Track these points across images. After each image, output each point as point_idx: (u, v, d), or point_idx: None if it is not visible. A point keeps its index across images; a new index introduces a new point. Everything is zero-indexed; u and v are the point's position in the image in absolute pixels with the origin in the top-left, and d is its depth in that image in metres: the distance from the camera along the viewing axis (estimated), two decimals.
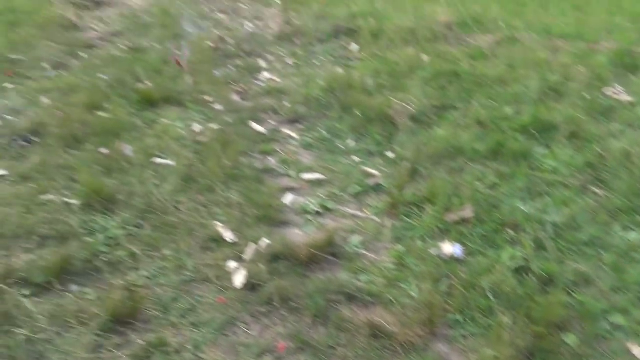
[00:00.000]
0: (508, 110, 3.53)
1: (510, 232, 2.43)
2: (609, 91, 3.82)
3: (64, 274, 2.32)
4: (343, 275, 2.30)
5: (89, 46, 5.28)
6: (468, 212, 2.55)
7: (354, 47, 4.99)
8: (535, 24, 5.28)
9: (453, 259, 2.33)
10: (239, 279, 2.25)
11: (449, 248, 2.36)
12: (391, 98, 3.76)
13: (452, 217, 2.55)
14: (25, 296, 2.18)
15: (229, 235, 2.54)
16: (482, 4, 6.06)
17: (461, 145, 3.17)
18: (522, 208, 2.57)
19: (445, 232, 2.51)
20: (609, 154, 2.97)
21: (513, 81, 3.96)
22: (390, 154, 3.21)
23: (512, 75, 4.04)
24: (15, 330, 2.02)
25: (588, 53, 4.47)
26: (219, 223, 2.64)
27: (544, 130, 3.28)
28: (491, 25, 5.30)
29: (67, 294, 2.22)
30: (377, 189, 2.94)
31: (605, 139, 3.17)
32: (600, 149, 3.03)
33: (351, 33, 5.27)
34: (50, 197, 2.85)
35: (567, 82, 3.93)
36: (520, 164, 2.97)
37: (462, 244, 2.40)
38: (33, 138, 3.48)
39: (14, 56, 4.89)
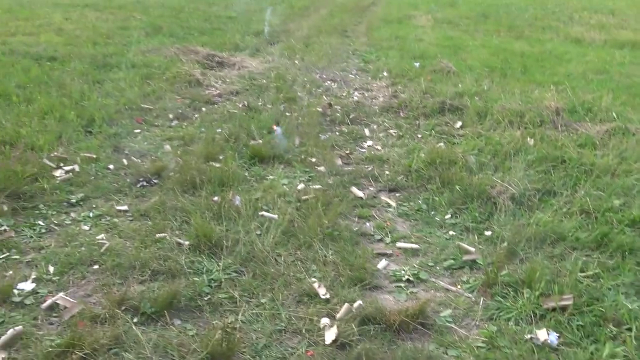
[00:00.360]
0: (616, 202, 3.43)
1: (612, 327, 2.33)
2: None
3: (170, 307, 2.50)
4: (432, 347, 2.30)
5: (210, 102, 5.76)
6: (567, 300, 2.48)
7: (458, 124, 5.07)
8: None
9: (547, 346, 2.26)
10: (330, 335, 2.31)
11: (544, 334, 2.30)
12: (493, 177, 3.77)
13: (549, 303, 2.49)
14: (135, 323, 2.38)
15: (322, 292, 2.63)
16: (594, 92, 5.98)
17: (563, 232, 3.11)
18: (626, 304, 2.46)
19: (541, 317, 2.45)
20: None
21: (623, 173, 3.85)
22: (488, 233, 3.21)
23: (622, 167, 3.93)
24: (123, 354, 2.20)
25: None
26: (314, 279, 2.75)
27: None
28: (602, 114, 5.20)
29: (171, 326, 2.39)
30: (472, 265, 2.93)
31: None
32: None
33: (456, 110, 5.37)
34: (164, 235, 3.10)
35: None
36: (627, 259, 2.85)
37: (558, 332, 2.33)
38: (154, 180, 3.83)
39: (144, 105, 5.43)
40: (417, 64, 7.35)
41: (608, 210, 3.33)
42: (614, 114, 5.13)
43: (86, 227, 3.21)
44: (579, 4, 14.92)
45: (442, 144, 4.57)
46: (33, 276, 2.72)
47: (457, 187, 3.67)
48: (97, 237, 3.09)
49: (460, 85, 6.19)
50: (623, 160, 4.06)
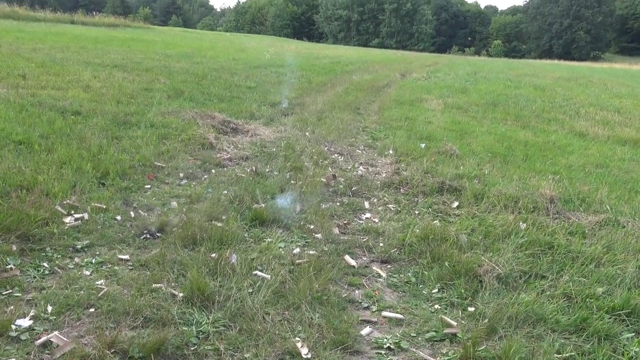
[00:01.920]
0: (599, 289, 3.54)
1: None
2: None
3: (158, 354, 2.63)
4: None
5: (220, 165, 6.03)
6: None
7: (455, 204, 5.25)
8: None
9: None
10: None
11: None
12: (482, 257, 3.91)
13: None
14: None
15: (304, 352, 2.74)
16: (591, 184, 6.17)
17: (544, 313, 3.21)
18: None
19: None
20: None
21: (609, 263, 3.97)
22: (471, 309, 3.31)
23: (608, 257, 4.05)
24: None
25: None
26: (298, 339, 2.85)
27: (634, 316, 3.24)
28: (596, 206, 5.36)
29: None
30: (453, 339, 3.02)
31: None
32: None
33: (455, 191, 5.57)
34: (160, 285, 3.25)
35: None
36: (603, 345, 2.94)
37: None
38: (158, 233, 4.01)
39: (157, 163, 5.70)
40: (422, 145, 7.64)
41: (590, 296, 3.43)
42: (607, 206, 5.29)
43: (87, 272, 3.37)
44: (586, 100, 15.43)
45: (437, 221, 4.73)
46: (32, 314, 2.87)
47: (447, 263, 3.81)
48: (97, 282, 3.25)
49: (461, 168, 6.42)
50: (610, 250, 4.19)
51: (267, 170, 5.92)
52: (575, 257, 4.03)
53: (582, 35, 76.21)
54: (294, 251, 3.94)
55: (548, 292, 3.50)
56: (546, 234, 4.45)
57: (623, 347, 2.97)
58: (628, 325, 3.19)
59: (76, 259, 3.53)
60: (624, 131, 10.66)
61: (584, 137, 9.98)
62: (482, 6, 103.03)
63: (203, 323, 2.93)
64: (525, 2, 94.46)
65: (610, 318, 3.21)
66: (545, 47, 78.71)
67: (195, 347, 2.75)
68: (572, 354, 2.85)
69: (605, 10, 77.80)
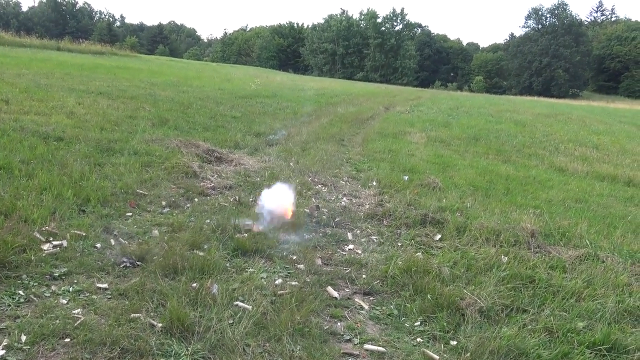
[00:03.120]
0: (580, 323, 3.55)
1: None
2: None
3: None
4: None
5: (203, 194, 5.99)
6: None
7: (437, 236, 5.28)
8: (622, 247, 5.34)
9: None
10: None
11: None
12: (464, 290, 3.91)
13: None
14: None
15: None
16: (571, 219, 6.25)
17: (526, 348, 3.20)
18: None
19: None
20: None
21: (589, 297, 3.99)
22: (453, 342, 3.30)
23: (588, 292, 4.08)
24: None
25: None
26: None
27: (614, 351, 3.25)
28: (576, 240, 5.42)
29: None
30: None
31: None
32: None
33: (437, 224, 5.59)
34: (139, 315, 3.19)
35: None
36: None
37: None
38: (138, 262, 3.95)
39: (140, 190, 5.65)
40: (405, 177, 7.70)
41: (571, 331, 3.44)
42: (587, 241, 5.36)
43: (64, 301, 3.30)
44: (565, 136, 15.75)
45: (419, 253, 4.74)
46: (4, 343, 2.79)
47: (429, 296, 3.80)
48: (73, 312, 3.18)
49: (444, 201, 6.47)
50: (590, 284, 4.22)
51: (251, 199, 5.90)
52: (556, 291, 4.06)
53: (560, 73, 78.18)
54: (276, 282, 3.91)
55: (530, 326, 3.50)
56: (527, 267, 4.47)
57: None
58: None
59: (53, 287, 3.45)
60: (602, 167, 10.87)
61: (563, 173, 10.15)
62: (465, 43, 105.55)
63: (182, 354, 2.87)
64: (505, 40, 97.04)
65: (591, 353, 3.22)
66: (526, 84, 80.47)
67: None
68: None
69: (583, 50, 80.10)
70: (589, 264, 4.72)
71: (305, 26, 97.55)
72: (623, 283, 4.33)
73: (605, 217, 6.67)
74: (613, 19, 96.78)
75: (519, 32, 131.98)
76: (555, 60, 78.66)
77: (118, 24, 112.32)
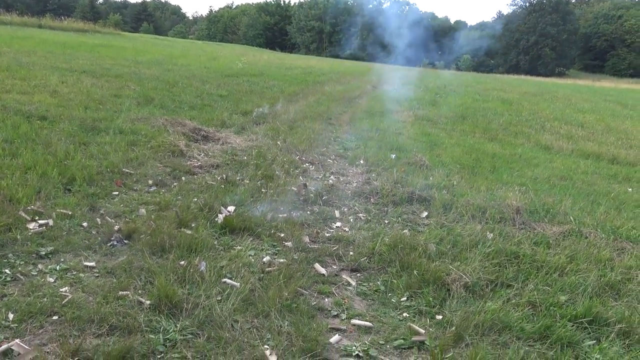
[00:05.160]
0: (562, 297, 3.62)
1: None
2: None
3: None
4: None
5: (190, 172, 5.97)
6: None
7: (424, 214, 5.32)
8: (605, 223, 5.41)
9: None
10: None
11: None
12: (450, 266, 3.96)
13: None
14: None
15: (273, 359, 2.72)
16: (556, 196, 6.33)
17: (510, 321, 3.27)
18: None
19: None
20: None
21: (572, 272, 4.07)
22: (439, 317, 3.35)
23: (572, 267, 4.15)
24: None
25: None
26: (267, 347, 2.84)
27: (595, 324, 3.33)
28: (560, 217, 5.49)
29: None
30: (421, 346, 3.05)
31: None
32: None
33: (424, 201, 5.64)
34: (127, 293, 3.20)
35: (627, 283, 3.99)
36: (566, 351, 3.01)
37: None
38: (125, 240, 3.95)
39: (126, 169, 5.61)
40: (393, 156, 7.72)
41: (554, 304, 3.51)
42: (571, 217, 5.43)
43: (51, 279, 3.30)
44: (551, 114, 15.83)
45: (406, 231, 4.78)
46: None
47: (415, 272, 3.85)
48: (61, 290, 3.18)
49: (431, 179, 6.51)
50: (573, 260, 4.29)
51: (238, 178, 5.89)
52: (540, 266, 4.12)
53: (547, 52, 78.23)
54: (264, 259, 3.92)
55: (513, 301, 3.56)
56: (512, 243, 4.53)
57: (585, 354, 3.04)
58: (590, 333, 3.27)
59: (40, 266, 3.44)
60: (587, 145, 10.97)
61: (549, 150, 10.22)
62: (452, 21, 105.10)
63: (170, 331, 2.89)
64: (493, 19, 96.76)
65: (572, 326, 3.29)
66: (513, 63, 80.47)
67: (162, 355, 2.71)
68: None
69: (570, 28, 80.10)
70: (572, 239, 4.80)
71: (292, 3, 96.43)
72: (605, 258, 4.40)
73: (589, 194, 6.75)
74: None
75: (506, 10, 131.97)
76: (542, 39, 78.64)
77: (101, 0, 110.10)
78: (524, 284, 3.82)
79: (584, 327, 3.31)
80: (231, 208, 4.76)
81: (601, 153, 10.15)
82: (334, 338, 3.05)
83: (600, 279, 3.98)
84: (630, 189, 7.40)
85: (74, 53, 17.30)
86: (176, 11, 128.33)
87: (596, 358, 2.98)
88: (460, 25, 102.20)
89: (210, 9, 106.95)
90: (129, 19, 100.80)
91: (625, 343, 3.16)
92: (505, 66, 79.59)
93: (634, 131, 13.85)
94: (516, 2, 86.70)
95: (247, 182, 5.78)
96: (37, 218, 4.08)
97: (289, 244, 4.30)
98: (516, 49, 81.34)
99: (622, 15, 79.09)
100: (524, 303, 3.52)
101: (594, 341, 3.18)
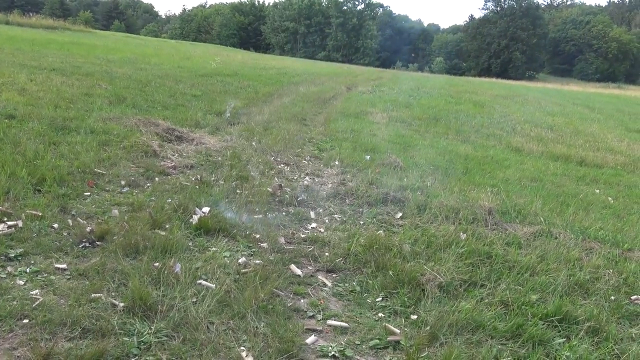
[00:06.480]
0: (533, 296, 3.70)
1: None
2: (638, 300, 3.93)
3: None
4: None
5: (163, 173, 5.90)
6: None
7: (398, 215, 5.36)
8: (573, 223, 5.54)
9: None
10: None
11: None
12: (424, 266, 4.01)
13: None
14: None
15: None
16: (527, 197, 6.45)
17: (483, 320, 3.32)
18: None
19: None
20: (626, 357, 3.03)
21: (542, 272, 4.15)
22: (414, 317, 3.39)
23: (542, 266, 4.24)
24: None
25: (621, 259, 4.65)
26: (243, 348, 2.83)
27: (565, 322, 3.41)
28: (531, 217, 5.60)
29: None
30: (396, 346, 3.08)
31: (625, 341, 3.25)
32: (619, 350, 3.10)
33: (398, 202, 5.68)
34: (99, 295, 3.15)
35: (595, 282, 4.09)
36: (537, 349, 3.08)
37: None
38: (97, 242, 3.88)
39: (98, 170, 5.52)
40: (367, 157, 7.76)
41: (525, 303, 3.58)
42: (541, 218, 5.54)
43: (21, 282, 3.23)
44: (521, 117, 16.12)
45: (381, 231, 4.82)
46: None
47: (390, 273, 3.88)
48: (31, 292, 3.12)
49: (405, 180, 6.57)
50: (543, 259, 4.38)
51: (213, 179, 5.85)
52: (512, 266, 4.20)
53: (518, 55, 79.67)
54: (240, 260, 3.91)
55: (486, 300, 3.62)
56: (485, 244, 4.60)
57: (555, 352, 3.11)
58: (560, 331, 3.35)
59: (9, 268, 3.37)
60: (556, 147, 11.20)
61: (519, 152, 10.41)
62: (425, 24, 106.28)
63: (145, 333, 2.86)
64: (465, 22, 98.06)
65: (543, 324, 3.37)
66: (484, 66, 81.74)
67: (137, 357, 2.68)
68: (509, 359, 2.96)
69: (540, 32, 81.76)
70: (542, 240, 4.90)
71: (267, 4, 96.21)
72: (574, 258, 4.51)
73: (558, 196, 6.90)
74: (569, 2, 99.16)
75: (478, 14, 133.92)
76: (513, 43, 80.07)
77: None
78: (497, 284, 3.89)
79: (554, 325, 3.38)
80: (206, 209, 4.72)
81: (570, 155, 10.38)
82: (310, 339, 3.05)
83: (570, 278, 4.07)
84: (597, 191, 7.59)
85: (43, 50, 16.95)
86: (148, 9, 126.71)
87: (566, 355, 3.05)
88: (433, 28, 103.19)
89: (184, 8, 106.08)
90: (99, 16, 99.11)
91: (594, 340, 3.25)
92: (477, 69, 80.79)
93: (600, 134, 14.20)
94: (487, 6, 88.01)
95: (222, 183, 5.75)
96: (5, 219, 3.98)
97: (264, 245, 4.29)
98: (488, 53, 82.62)
99: (590, 21, 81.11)
100: (497, 302, 3.58)
101: (564, 339, 3.26)
